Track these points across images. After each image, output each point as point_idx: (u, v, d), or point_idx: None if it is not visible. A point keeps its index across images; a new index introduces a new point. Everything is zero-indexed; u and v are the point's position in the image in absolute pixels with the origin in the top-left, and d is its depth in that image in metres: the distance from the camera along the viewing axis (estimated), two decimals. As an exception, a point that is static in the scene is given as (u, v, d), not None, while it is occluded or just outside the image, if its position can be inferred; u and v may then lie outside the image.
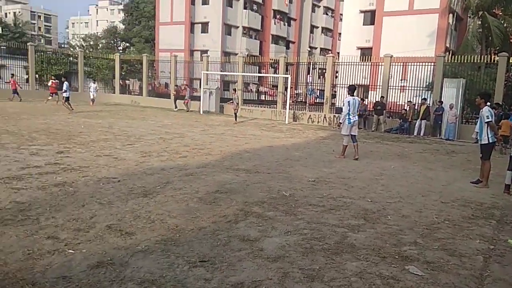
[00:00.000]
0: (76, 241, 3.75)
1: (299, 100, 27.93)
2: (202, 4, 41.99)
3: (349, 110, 9.55)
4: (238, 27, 43.38)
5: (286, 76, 22.41)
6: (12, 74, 26.77)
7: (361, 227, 4.66)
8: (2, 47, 34.65)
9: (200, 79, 27.09)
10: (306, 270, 3.42)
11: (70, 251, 3.52)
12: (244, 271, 3.33)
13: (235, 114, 18.87)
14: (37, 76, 30.24)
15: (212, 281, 3.14)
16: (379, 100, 19.20)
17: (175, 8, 41.94)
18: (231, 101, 18.61)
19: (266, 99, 31.44)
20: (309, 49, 51.65)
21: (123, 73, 33.91)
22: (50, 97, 22.81)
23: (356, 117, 9.76)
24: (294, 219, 4.81)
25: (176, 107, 25.75)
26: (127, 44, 53.92)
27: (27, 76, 30.38)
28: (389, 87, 19.80)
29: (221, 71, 27.83)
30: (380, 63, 20.54)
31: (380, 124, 18.92)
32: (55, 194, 5.24)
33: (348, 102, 9.59)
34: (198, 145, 10.64)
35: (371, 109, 19.69)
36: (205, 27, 42.15)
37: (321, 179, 7.19)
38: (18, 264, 3.23)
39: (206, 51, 36.18)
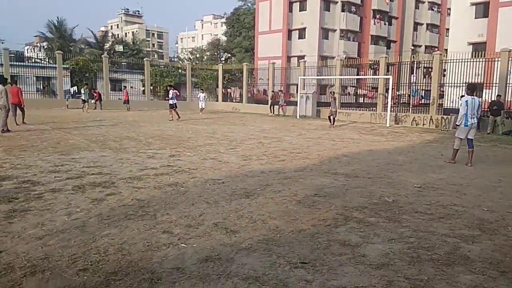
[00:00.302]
0: (187, 236, 4.09)
1: (401, 102, 26.40)
2: (300, 11, 42.42)
3: (466, 111, 8.73)
4: (335, 30, 42.80)
5: (387, 77, 21.40)
6: (125, 87, 30.15)
7: (476, 238, 4.25)
8: (123, 63, 39.26)
9: (297, 84, 27.32)
10: (413, 279, 3.24)
11: (183, 245, 3.85)
12: (346, 276, 3.28)
13: (330, 118, 18.47)
14: (151, 87, 33.51)
15: (313, 283, 3.16)
16: (496, 99, 17.24)
17: (273, 17, 43.07)
18: (331, 105, 18.26)
19: (365, 101, 30.39)
20: (412, 47, 48.57)
21: (225, 82, 35.86)
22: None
23: (475, 119, 8.83)
24: (399, 226, 4.58)
25: (272, 112, 26.38)
26: (229, 55, 56.90)
27: (143, 88, 33.91)
28: (508, 85, 17.66)
29: (317, 75, 27.72)
30: (496, 59, 18.44)
31: (497, 126, 16.94)
32: (169, 193, 5.78)
33: (466, 102, 8.76)
34: (296, 149, 10.75)
35: (486, 109, 17.74)
36: (302, 33, 42.47)
37: (429, 185, 6.71)
38: (139, 254, 3.64)
39: (303, 57, 36.42)
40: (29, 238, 3.91)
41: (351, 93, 31.61)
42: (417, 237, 4.20)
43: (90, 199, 5.32)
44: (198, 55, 59.19)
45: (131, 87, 35.51)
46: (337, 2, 42.39)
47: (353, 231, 4.36)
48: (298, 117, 23.70)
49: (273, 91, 28.07)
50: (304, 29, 42.09)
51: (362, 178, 7.16)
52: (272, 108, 26.58)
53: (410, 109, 24.56)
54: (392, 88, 21.08)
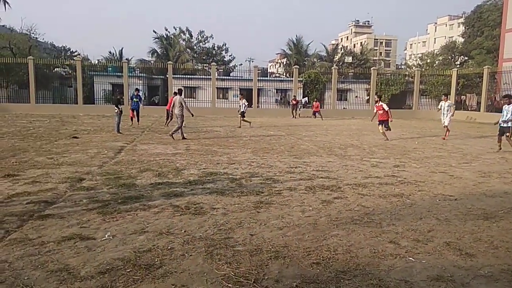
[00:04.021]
0: (415, 250, 3.97)
1: None
2: None
3: None
4: None
5: None
6: (316, 99, 30.68)
7: None
8: (350, 74, 40.60)
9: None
10: None
11: (410, 258, 3.77)
12: None
13: None
14: (375, 96, 33.40)
15: None
16: None
17: (528, 9, 35.84)
18: None
19: None
20: None
21: (459, 88, 32.20)
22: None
23: None
24: None
25: None
26: (466, 58, 50.76)
27: (367, 97, 34.17)
28: None
29: None
30: None
31: None
32: (394, 203, 5.71)
33: None
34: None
35: None
36: None
37: None
38: (366, 259, 3.77)
39: None
40: (273, 227, 4.63)
41: None
42: None
43: (320, 200, 5.83)
44: (428, 61, 55.18)
45: (356, 96, 36.37)
46: None
47: None
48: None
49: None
50: None
51: None
52: None
53: None
54: None
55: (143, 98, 32.27)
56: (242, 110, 19.04)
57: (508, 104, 11.21)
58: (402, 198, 6.03)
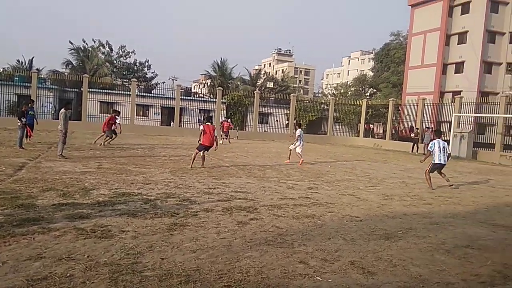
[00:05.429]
0: (323, 269, 4.12)
1: None
2: (458, 44, 39.18)
3: None
4: (501, 63, 38.02)
5: None
6: (226, 119, 30.29)
7: None
8: (271, 98, 42.04)
9: (449, 122, 24.99)
10: None
11: (318, 278, 3.90)
12: None
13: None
14: (294, 121, 34.97)
15: None
16: None
17: (427, 51, 40.76)
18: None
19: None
20: None
21: (368, 117, 35.07)
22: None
23: None
24: None
25: (413, 150, 24.79)
26: (374, 90, 55.70)
27: (287, 121, 35.61)
28: None
29: (476, 112, 24.87)
30: None
31: None
32: (306, 224, 5.92)
33: None
34: (445, 193, 9.77)
35: None
36: (459, 67, 39.00)
37: None
38: (276, 280, 3.81)
39: (459, 92, 33.30)
40: (185, 250, 4.49)
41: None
42: None
43: (236, 221, 5.82)
44: (342, 91, 59.50)
45: (277, 120, 37.71)
46: (504, 34, 37.77)
47: (514, 295, 3.75)
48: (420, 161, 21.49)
49: (417, 128, 26.34)
50: (462, 63, 38.52)
51: (530, 234, 6.09)
52: (414, 146, 24.91)
53: None
54: None
55: (52, 112, 29.99)
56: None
57: (438, 138, 10.74)
58: (313, 219, 6.28)
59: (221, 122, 25.99)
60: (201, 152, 11.76)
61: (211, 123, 12.08)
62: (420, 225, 6.29)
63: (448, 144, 22.60)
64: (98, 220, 5.42)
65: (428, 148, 10.73)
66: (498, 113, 22.12)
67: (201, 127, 11.81)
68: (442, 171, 10.63)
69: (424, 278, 4.02)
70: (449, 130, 24.85)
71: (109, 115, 17.42)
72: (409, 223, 6.36)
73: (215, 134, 11.85)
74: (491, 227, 6.39)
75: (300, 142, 14.48)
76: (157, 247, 4.51)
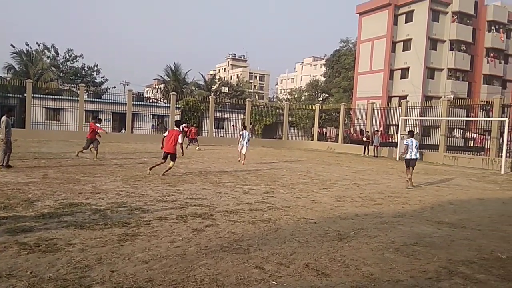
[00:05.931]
0: (278, 273, 4.12)
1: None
2: (403, 51, 41.29)
3: None
4: (442, 69, 40.52)
5: (503, 119, 19.38)
6: (196, 125, 29.95)
7: None
8: (226, 104, 42.00)
9: (397, 125, 26.23)
10: None
11: (273, 282, 3.90)
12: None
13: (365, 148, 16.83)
14: (250, 126, 35.12)
15: None
16: None
17: (375, 58, 42.56)
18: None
19: (474, 145, 27.71)
20: (534, 87, 43.35)
21: (321, 122, 35.98)
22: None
23: None
24: (515, 288, 4.03)
25: (365, 153, 25.91)
26: (327, 95, 57.25)
27: (243, 126, 35.65)
28: None
29: (421, 116, 26.27)
30: None
31: None
32: (262, 229, 5.92)
33: None
34: (394, 193, 10.20)
35: None
36: (405, 72, 41.09)
37: (555, 244, 5.80)
38: (232, 287, 3.76)
39: (405, 97, 35.00)
40: (137, 261, 4.33)
41: (458, 136, 29.14)
42: (538, 304, 3.65)
43: (191, 229, 5.70)
44: (296, 96, 60.66)
45: (232, 125, 37.72)
46: (444, 41, 40.29)
47: (458, 288, 3.96)
48: (398, 159, 22.53)
49: (367, 131, 27.50)
50: (407, 68, 40.62)
51: (471, 230, 6.49)
52: (365, 149, 25.98)
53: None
54: (509, 132, 18.95)
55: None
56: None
57: (411, 137, 11.69)
58: (269, 223, 6.30)
59: (189, 128, 24.92)
60: (163, 160, 11.34)
61: (180, 128, 11.47)
62: (371, 225, 6.50)
63: (395, 145, 23.73)
64: (43, 233, 5.10)
65: (405, 143, 11.89)
66: (441, 116, 23.49)
67: (166, 133, 11.45)
68: (413, 171, 11.71)
69: (376, 277, 4.15)
70: (397, 132, 26.05)
71: (90, 122, 15.96)
72: (360, 224, 6.55)
73: (180, 141, 11.12)
74: (437, 225, 6.73)
75: (245, 142, 14.76)
76: (106, 259, 4.31)
